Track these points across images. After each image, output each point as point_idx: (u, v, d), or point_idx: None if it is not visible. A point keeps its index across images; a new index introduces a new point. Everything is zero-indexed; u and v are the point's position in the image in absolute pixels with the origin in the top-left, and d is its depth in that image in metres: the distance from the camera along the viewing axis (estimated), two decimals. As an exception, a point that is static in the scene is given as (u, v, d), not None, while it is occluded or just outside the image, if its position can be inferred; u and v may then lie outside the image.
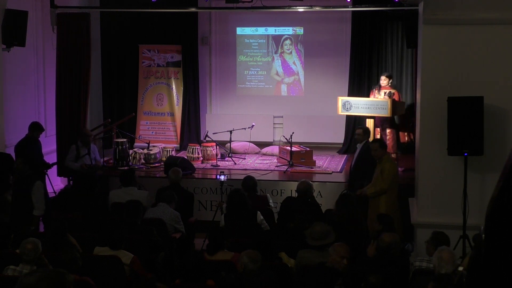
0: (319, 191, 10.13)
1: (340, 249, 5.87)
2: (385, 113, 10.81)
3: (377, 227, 7.11)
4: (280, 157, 11.99)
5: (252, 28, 13.83)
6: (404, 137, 11.84)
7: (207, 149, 12.00)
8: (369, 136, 9.88)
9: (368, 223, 8.29)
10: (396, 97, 11.34)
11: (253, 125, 12.54)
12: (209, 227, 7.04)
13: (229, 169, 11.43)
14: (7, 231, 6.74)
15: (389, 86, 11.55)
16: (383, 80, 11.56)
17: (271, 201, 9.06)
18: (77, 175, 10.10)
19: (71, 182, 10.95)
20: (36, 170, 9.69)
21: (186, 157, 11.85)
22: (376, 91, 11.61)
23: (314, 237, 6.41)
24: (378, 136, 10.99)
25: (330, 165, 11.77)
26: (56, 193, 10.72)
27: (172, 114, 13.59)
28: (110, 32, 13.57)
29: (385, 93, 11.42)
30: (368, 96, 11.95)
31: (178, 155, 12.48)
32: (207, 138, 12.32)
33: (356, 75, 12.98)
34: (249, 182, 8.85)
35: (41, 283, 2.94)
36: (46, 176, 10.38)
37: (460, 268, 5.08)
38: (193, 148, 12.24)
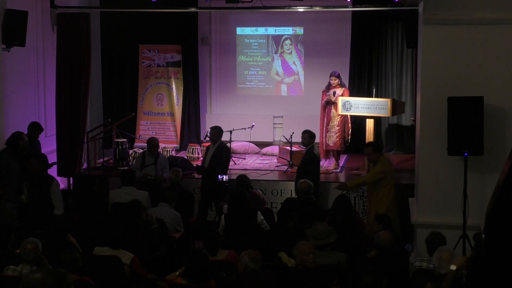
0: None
1: (303, 247, 6.01)
2: (385, 113, 10.79)
3: (376, 227, 7.11)
4: (280, 157, 11.99)
5: (252, 28, 13.82)
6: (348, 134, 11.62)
7: (207, 149, 11.99)
8: (221, 136, 9.88)
9: (367, 223, 8.28)
10: (346, 94, 11.24)
11: (253, 125, 12.54)
12: (203, 229, 7.03)
13: (229, 169, 11.40)
14: (7, 231, 6.74)
15: (339, 85, 11.38)
16: (333, 80, 11.33)
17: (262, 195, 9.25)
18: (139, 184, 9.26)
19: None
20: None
21: (186, 157, 11.84)
22: (326, 91, 11.47)
23: (315, 236, 6.43)
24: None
25: (330, 165, 11.76)
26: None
27: (172, 114, 13.59)
28: (110, 32, 13.57)
29: (334, 93, 11.25)
30: (369, 96, 11.91)
31: (178, 155, 12.49)
32: (207, 138, 12.31)
33: (356, 75, 12.97)
34: (244, 180, 8.88)
35: (47, 279, 2.99)
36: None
37: (453, 267, 5.03)
38: (193, 148, 12.24)
